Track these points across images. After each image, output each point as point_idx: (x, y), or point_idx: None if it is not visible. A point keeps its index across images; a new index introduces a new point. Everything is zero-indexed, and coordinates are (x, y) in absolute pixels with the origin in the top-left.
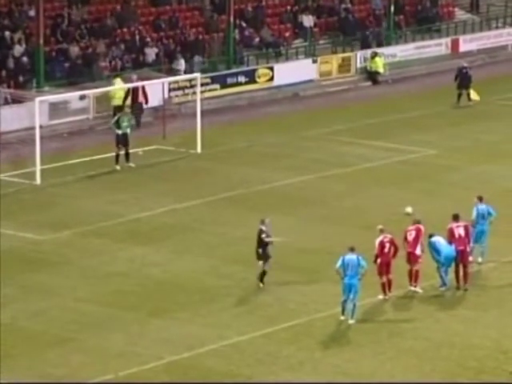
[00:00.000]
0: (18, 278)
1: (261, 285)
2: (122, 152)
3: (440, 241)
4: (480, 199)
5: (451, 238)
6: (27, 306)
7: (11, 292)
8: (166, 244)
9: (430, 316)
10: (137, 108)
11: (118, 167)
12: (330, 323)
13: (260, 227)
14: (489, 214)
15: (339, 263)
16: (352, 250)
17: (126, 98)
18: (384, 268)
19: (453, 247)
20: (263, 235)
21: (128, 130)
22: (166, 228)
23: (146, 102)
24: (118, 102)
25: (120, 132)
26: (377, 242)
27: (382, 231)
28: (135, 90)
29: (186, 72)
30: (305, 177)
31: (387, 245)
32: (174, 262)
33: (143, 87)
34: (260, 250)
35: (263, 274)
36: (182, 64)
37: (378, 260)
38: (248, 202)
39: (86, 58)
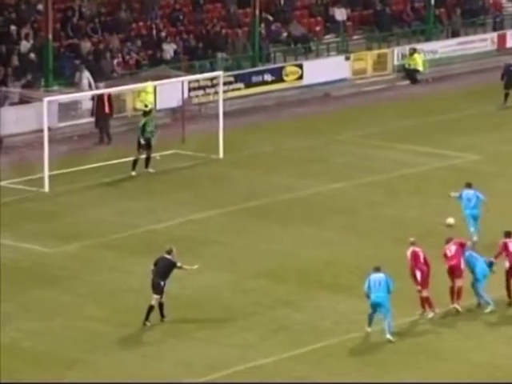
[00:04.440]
0: (21, 294)
1: (148, 323)
2: (142, 156)
3: (473, 254)
4: (468, 185)
5: (504, 251)
6: (30, 324)
7: (13, 309)
8: (184, 258)
9: (473, 336)
10: (103, 120)
11: (133, 173)
12: (363, 344)
13: (166, 257)
14: (477, 198)
15: (366, 284)
16: (377, 269)
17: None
18: (424, 281)
19: (484, 261)
20: (178, 264)
21: (152, 135)
22: (184, 240)
23: (111, 114)
24: (149, 106)
25: (143, 137)
26: (408, 252)
27: (413, 244)
28: (101, 100)
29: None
30: (336, 184)
31: (421, 254)
32: (192, 278)
33: (109, 96)
34: (163, 283)
35: (162, 308)
36: (85, 77)
37: (418, 273)
38: (273, 213)
39: (98, 54)
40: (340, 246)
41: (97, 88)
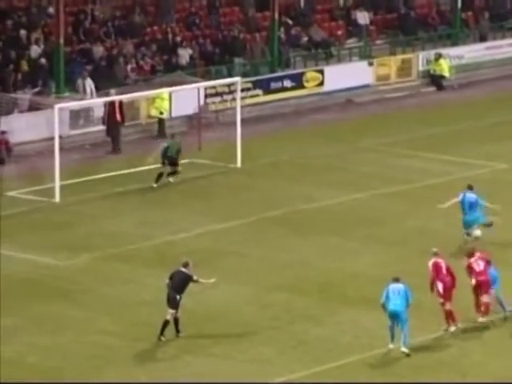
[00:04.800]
0: (30, 308)
1: (163, 338)
2: (166, 169)
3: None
4: (470, 188)
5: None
6: (39, 339)
7: (21, 323)
8: (201, 270)
9: (499, 351)
10: (114, 128)
11: (154, 185)
12: (385, 361)
13: (182, 270)
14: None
15: (384, 294)
16: (397, 280)
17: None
18: (447, 293)
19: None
20: (195, 278)
21: (175, 156)
22: (201, 252)
23: (123, 121)
24: (165, 113)
25: (166, 158)
26: (430, 263)
27: (436, 254)
28: (112, 107)
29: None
30: (358, 194)
31: (443, 265)
32: (209, 291)
33: (120, 103)
34: (179, 297)
35: (177, 323)
36: (88, 85)
37: (440, 285)
38: (293, 223)
39: (111, 59)
40: (363, 258)
41: (107, 95)
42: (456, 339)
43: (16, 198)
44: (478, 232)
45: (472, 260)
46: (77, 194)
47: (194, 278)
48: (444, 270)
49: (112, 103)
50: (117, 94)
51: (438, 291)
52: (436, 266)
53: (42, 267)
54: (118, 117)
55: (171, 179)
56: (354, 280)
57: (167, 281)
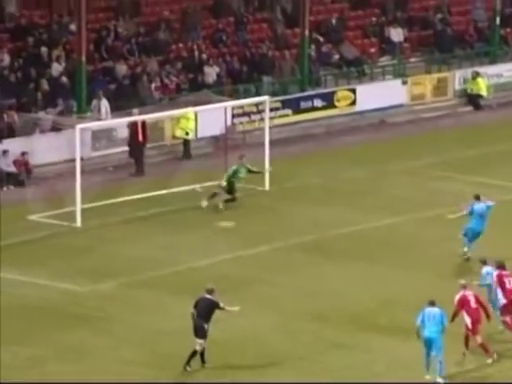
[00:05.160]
0: (51, 336)
1: (188, 368)
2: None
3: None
4: (477, 198)
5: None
6: (60, 367)
7: (42, 351)
8: (227, 297)
9: None
10: (136, 149)
11: (204, 204)
12: None
13: (207, 297)
14: (488, 208)
15: (420, 318)
16: (432, 303)
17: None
18: (475, 326)
19: None
20: (221, 304)
21: (238, 181)
22: (228, 278)
23: (145, 143)
24: (190, 134)
25: (228, 180)
26: (457, 297)
27: (464, 287)
28: (134, 127)
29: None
30: (391, 219)
31: (471, 298)
32: (235, 319)
33: (143, 123)
34: (206, 326)
35: (202, 353)
36: (103, 105)
37: (468, 319)
38: (323, 249)
39: (134, 78)
40: (395, 285)
41: (129, 115)
42: (493, 368)
43: (36, 222)
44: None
45: (504, 273)
46: (99, 217)
47: (221, 304)
48: (472, 304)
49: (135, 123)
50: (140, 113)
51: (466, 325)
52: (463, 301)
53: (64, 293)
54: (141, 137)
55: (221, 206)
56: (385, 307)
57: (192, 310)
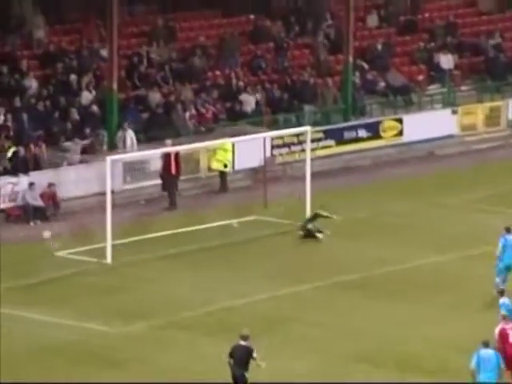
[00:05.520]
0: (79, 379)
1: None
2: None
3: None
4: (508, 230)
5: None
6: None
7: None
8: (264, 340)
9: None
10: (169, 182)
11: (320, 236)
12: None
13: (242, 344)
14: None
15: (474, 360)
16: (486, 345)
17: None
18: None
19: None
20: (255, 354)
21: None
22: (266, 319)
23: (178, 175)
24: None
25: (308, 224)
26: (496, 331)
27: (504, 318)
28: (167, 159)
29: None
30: (440, 256)
31: (510, 332)
32: (271, 361)
33: (176, 155)
34: (246, 375)
35: None
36: (129, 137)
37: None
38: (367, 288)
39: (168, 106)
40: (445, 326)
41: (164, 146)
42: None
43: (65, 259)
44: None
45: None
46: (130, 254)
47: (254, 354)
48: (510, 338)
49: (168, 155)
50: (174, 144)
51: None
52: (502, 334)
53: (91, 335)
54: (174, 170)
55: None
56: (434, 350)
57: (228, 358)
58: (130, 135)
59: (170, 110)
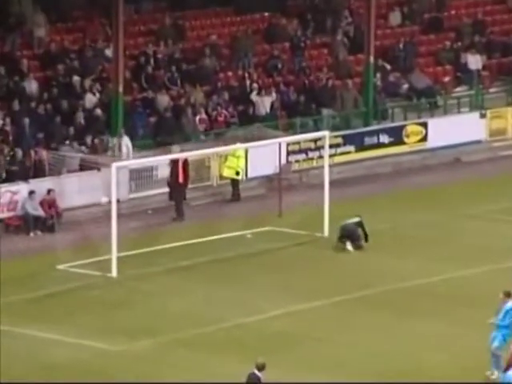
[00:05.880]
0: None
1: None
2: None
3: None
4: (508, 295)
5: None
6: None
7: None
8: (279, 358)
9: None
10: (177, 191)
11: (349, 248)
12: None
13: (257, 374)
14: None
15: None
16: None
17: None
18: None
19: None
20: None
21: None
22: (280, 337)
23: (186, 184)
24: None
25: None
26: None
27: None
28: (175, 167)
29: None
30: (466, 270)
31: None
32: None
33: (184, 162)
34: None
35: None
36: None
37: None
38: (388, 304)
39: (177, 110)
40: (472, 346)
41: (172, 153)
42: None
43: (67, 272)
44: None
45: None
46: (136, 267)
47: None
48: None
49: (175, 162)
50: (182, 150)
51: None
52: None
53: (94, 353)
54: (181, 178)
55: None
56: (465, 372)
57: None
58: (126, 142)
59: (180, 113)
